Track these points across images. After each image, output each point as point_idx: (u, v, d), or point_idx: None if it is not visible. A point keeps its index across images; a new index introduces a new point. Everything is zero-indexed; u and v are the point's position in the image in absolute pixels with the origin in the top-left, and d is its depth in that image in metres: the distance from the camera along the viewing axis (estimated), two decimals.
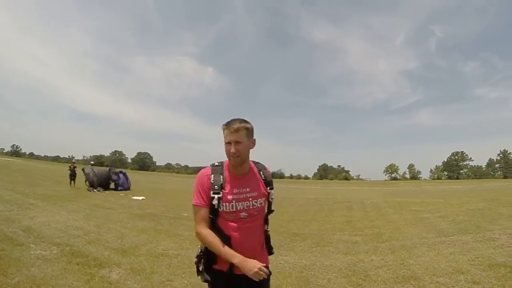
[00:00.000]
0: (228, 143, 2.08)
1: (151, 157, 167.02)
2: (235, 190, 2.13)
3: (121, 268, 5.24)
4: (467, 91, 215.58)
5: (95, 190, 19.83)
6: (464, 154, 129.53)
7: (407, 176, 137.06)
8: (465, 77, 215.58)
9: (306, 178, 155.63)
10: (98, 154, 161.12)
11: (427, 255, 6.23)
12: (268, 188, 2.26)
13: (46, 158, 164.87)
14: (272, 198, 2.28)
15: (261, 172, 2.29)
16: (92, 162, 27.34)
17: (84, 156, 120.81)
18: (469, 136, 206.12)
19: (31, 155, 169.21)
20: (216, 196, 2.07)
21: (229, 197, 2.10)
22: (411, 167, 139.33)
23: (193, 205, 2.13)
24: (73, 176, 22.45)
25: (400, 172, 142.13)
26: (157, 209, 12.89)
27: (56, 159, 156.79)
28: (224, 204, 2.09)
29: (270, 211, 2.32)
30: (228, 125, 2.10)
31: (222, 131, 2.14)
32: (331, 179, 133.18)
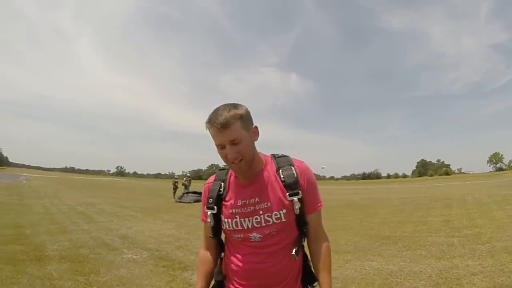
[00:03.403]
0: (220, 146, 1.39)
1: None
2: (239, 202, 1.49)
3: None
4: None
5: (182, 200, 20.94)
6: None
7: None
8: None
9: (405, 176, 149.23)
10: (196, 169, 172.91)
11: None
12: (288, 194, 1.43)
13: (148, 176, 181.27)
14: (297, 209, 1.43)
15: (280, 171, 1.48)
16: (188, 175, 29.12)
17: (183, 171, 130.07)
18: None
19: (135, 174, 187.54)
20: (209, 212, 1.53)
21: (231, 211, 1.50)
22: None
23: None
24: (175, 190, 24.42)
25: (506, 160, 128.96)
26: None
27: (158, 176, 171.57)
28: (226, 220, 1.51)
29: (301, 228, 1.51)
30: (212, 119, 1.35)
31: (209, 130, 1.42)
32: (431, 175, 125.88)
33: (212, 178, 1.63)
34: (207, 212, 1.55)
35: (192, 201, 20.35)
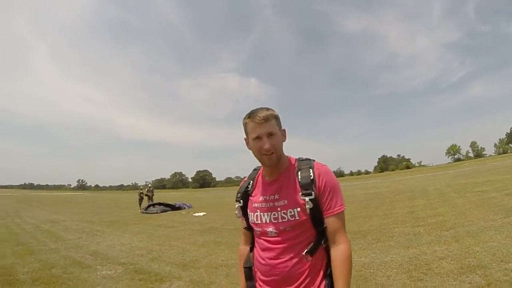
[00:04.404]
0: (257, 138, 1.56)
1: (210, 173, 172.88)
2: (261, 197, 1.64)
3: (181, 281, 5.44)
4: None
5: (148, 211, 20.50)
6: None
7: (471, 155, 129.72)
8: None
9: (367, 172, 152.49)
10: (159, 178, 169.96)
11: (494, 239, 5.84)
12: (301, 193, 1.52)
13: (111, 188, 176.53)
14: (308, 209, 1.49)
15: (299, 173, 1.59)
16: (149, 185, 28.91)
17: (146, 181, 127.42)
18: None
19: (97, 187, 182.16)
20: (237, 205, 1.74)
21: (254, 205, 1.67)
22: (473, 144, 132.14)
23: None
24: (140, 200, 24.11)
25: (463, 151, 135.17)
26: (217, 223, 13.07)
27: (120, 187, 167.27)
28: (250, 214, 1.68)
29: (319, 230, 1.55)
30: (253, 115, 1.57)
31: (244, 127, 1.65)
32: (392, 170, 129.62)
33: (246, 177, 1.84)
34: (235, 206, 1.76)
35: (159, 211, 19.99)
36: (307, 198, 1.50)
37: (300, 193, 1.53)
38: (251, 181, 1.76)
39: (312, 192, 1.51)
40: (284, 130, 1.67)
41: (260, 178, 1.74)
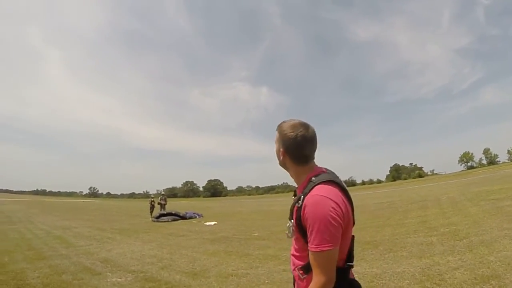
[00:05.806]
0: None
1: (221, 183, 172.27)
2: None
3: None
4: None
5: (160, 219, 20.55)
6: None
7: (484, 162, 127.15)
8: None
9: (379, 181, 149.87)
10: (170, 186, 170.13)
11: (509, 249, 5.73)
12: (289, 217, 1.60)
13: (122, 196, 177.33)
14: (287, 233, 1.59)
15: (297, 196, 1.58)
16: (163, 193, 29.18)
17: (157, 190, 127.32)
18: None
19: (108, 194, 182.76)
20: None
21: None
22: (486, 151, 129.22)
23: None
24: (152, 209, 24.32)
25: (476, 159, 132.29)
26: (228, 232, 13.02)
27: (132, 195, 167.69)
28: None
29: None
30: None
31: None
32: (405, 179, 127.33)
33: None
34: None
35: (170, 220, 20.02)
36: (288, 224, 1.58)
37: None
38: None
39: (293, 220, 1.54)
40: (281, 151, 1.67)
41: None
